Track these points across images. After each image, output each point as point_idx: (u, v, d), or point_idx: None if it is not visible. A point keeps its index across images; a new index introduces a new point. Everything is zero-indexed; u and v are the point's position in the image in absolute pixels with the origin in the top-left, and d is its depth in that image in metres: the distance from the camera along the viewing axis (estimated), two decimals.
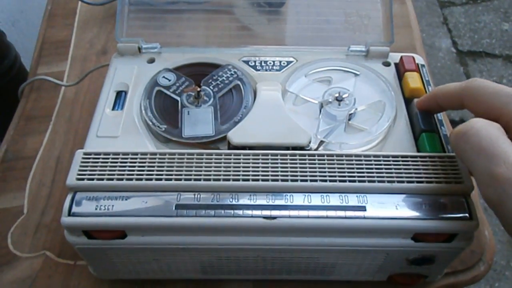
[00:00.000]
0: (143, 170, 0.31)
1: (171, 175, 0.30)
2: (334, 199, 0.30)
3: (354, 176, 0.30)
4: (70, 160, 0.31)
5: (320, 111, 0.36)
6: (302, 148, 0.33)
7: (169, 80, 0.38)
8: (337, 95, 0.37)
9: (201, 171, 0.30)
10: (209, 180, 0.30)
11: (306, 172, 0.30)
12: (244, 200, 0.30)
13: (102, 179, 0.30)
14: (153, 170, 0.31)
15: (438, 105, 0.32)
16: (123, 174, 0.30)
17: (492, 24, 1.51)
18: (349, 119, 0.36)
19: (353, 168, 0.31)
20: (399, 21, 0.58)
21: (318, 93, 0.38)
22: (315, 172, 0.30)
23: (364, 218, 0.29)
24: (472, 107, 0.29)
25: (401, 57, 0.40)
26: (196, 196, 0.30)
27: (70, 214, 0.29)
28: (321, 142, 0.34)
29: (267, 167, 0.31)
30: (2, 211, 0.42)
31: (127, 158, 0.31)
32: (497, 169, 0.23)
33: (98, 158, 0.31)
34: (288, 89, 0.38)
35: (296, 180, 0.30)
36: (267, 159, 0.31)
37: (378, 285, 0.36)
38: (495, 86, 0.28)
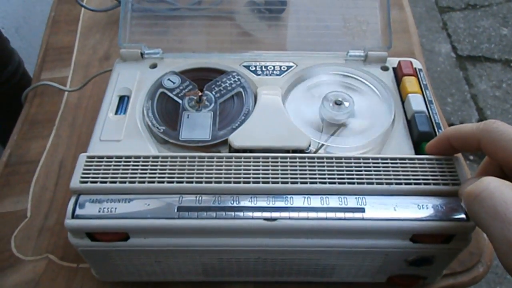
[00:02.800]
0: (145, 173, 0.31)
1: (173, 177, 0.31)
2: (334, 201, 0.30)
3: (353, 178, 0.31)
4: (73, 164, 0.32)
5: (321, 116, 0.37)
6: (302, 151, 0.34)
7: (174, 83, 0.39)
8: (335, 99, 0.37)
9: (202, 173, 0.31)
10: (210, 182, 0.31)
11: (306, 174, 0.31)
12: (245, 202, 0.30)
13: (105, 182, 0.31)
14: (155, 173, 0.31)
15: (452, 147, 0.30)
16: (125, 177, 0.31)
17: (491, 29, 1.52)
18: (348, 122, 0.36)
19: (352, 171, 0.31)
20: (398, 27, 0.59)
21: (317, 98, 0.38)
22: (315, 174, 0.31)
23: (363, 219, 0.29)
24: (490, 152, 0.27)
25: (399, 62, 0.40)
26: (197, 198, 0.30)
27: (73, 216, 0.30)
28: (321, 145, 0.35)
29: (268, 170, 0.31)
30: (6, 214, 0.43)
31: (129, 161, 0.32)
32: None
33: (101, 161, 0.32)
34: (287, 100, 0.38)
35: (296, 183, 0.31)
36: (268, 162, 0.32)
37: (378, 286, 0.37)
38: None
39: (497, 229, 0.23)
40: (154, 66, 0.41)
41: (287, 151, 0.33)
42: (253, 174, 0.31)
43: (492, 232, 0.23)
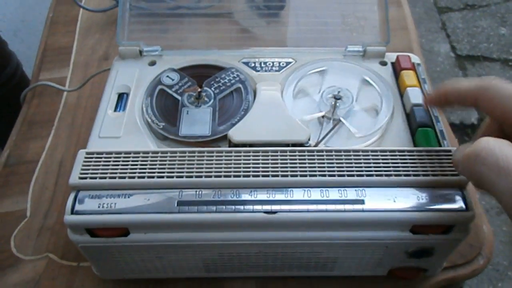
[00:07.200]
0: (145, 168, 0.31)
1: (173, 172, 0.31)
2: (333, 193, 0.30)
3: (352, 171, 0.31)
4: (72, 163, 0.32)
5: (320, 110, 0.37)
6: (301, 145, 0.33)
7: (173, 80, 0.39)
8: (335, 94, 0.37)
9: (202, 168, 0.31)
10: (210, 176, 0.31)
11: (305, 167, 0.31)
12: (245, 196, 0.30)
13: (105, 178, 0.31)
14: (155, 168, 0.31)
15: (448, 101, 0.30)
16: (125, 172, 0.31)
17: (490, 29, 1.53)
18: (348, 116, 0.36)
19: (351, 163, 0.31)
20: (396, 24, 0.59)
21: (316, 93, 0.38)
22: (314, 167, 0.31)
23: (363, 211, 0.29)
24: (487, 109, 0.27)
25: (397, 57, 0.40)
26: (197, 192, 0.30)
27: (73, 212, 0.30)
28: (321, 139, 0.35)
29: (267, 163, 0.31)
30: (5, 215, 0.43)
31: (129, 157, 0.32)
32: None
33: (101, 157, 0.32)
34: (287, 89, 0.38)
35: (296, 175, 0.31)
36: (267, 156, 0.32)
37: (379, 279, 0.37)
38: None
39: (502, 184, 0.23)
40: (153, 63, 0.41)
41: (287, 145, 0.33)
42: (253, 167, 0.31)
43: (498, 188, 0.23)
